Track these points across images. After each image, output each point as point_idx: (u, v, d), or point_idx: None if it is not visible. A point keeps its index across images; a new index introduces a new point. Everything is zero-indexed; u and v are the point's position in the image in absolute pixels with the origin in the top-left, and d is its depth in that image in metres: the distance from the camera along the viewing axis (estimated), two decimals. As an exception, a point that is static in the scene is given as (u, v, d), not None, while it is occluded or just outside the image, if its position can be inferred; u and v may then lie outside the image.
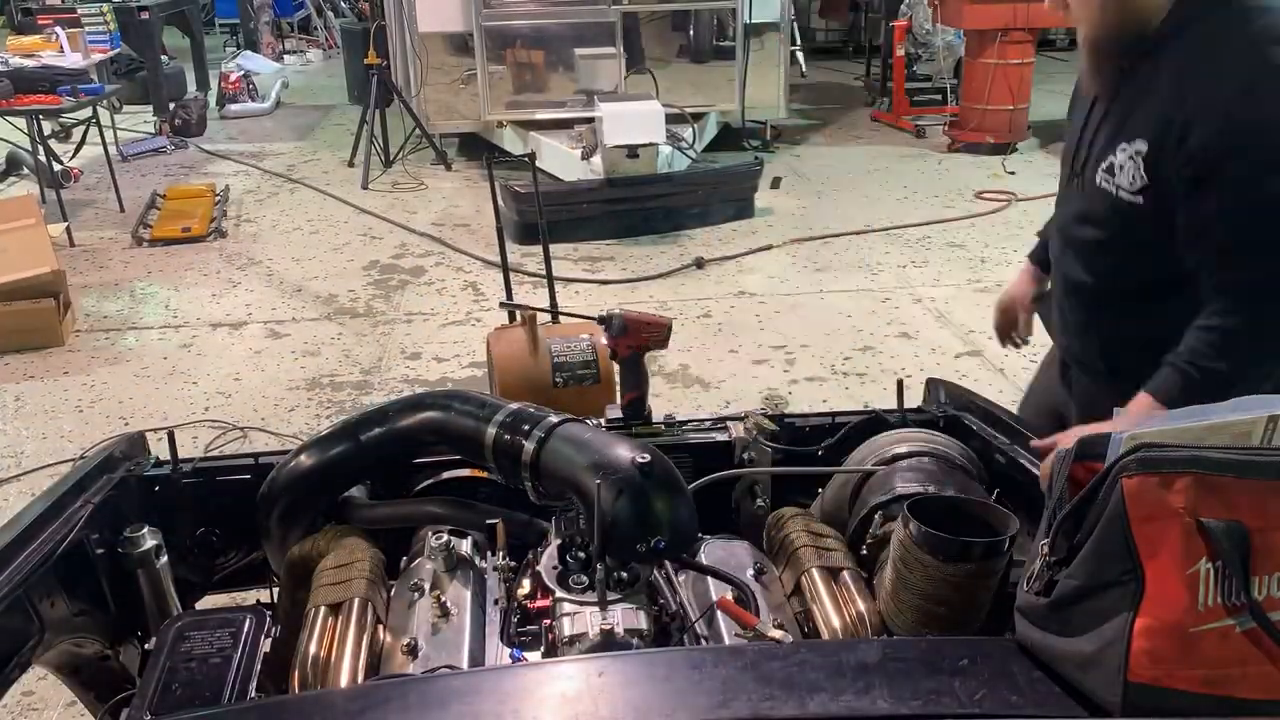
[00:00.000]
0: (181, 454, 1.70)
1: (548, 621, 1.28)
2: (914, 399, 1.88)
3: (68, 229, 6.21)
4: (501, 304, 3.17)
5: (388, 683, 1.10)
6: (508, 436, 1.43)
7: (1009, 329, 2.19)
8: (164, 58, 9.72)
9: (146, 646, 1.57)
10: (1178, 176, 1.55)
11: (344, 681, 1.24)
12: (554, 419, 1.43)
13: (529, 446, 1.40)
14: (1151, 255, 1.64)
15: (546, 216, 3.85)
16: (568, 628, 1.23)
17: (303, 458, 1.59)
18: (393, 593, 1.45)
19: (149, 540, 1.55)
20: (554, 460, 1.38)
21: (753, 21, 7.72)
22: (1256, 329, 1.54)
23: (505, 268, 3.66)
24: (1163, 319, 1.62)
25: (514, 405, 1.48)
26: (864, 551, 1.47)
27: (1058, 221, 1.88)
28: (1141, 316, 1.70)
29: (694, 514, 1.33)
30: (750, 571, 1.43)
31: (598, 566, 1.26)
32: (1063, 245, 1.83)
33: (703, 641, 1.29)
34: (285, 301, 5.39)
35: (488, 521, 1.52)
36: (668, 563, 1.41)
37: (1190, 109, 1.52)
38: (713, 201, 6.39)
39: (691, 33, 8.48)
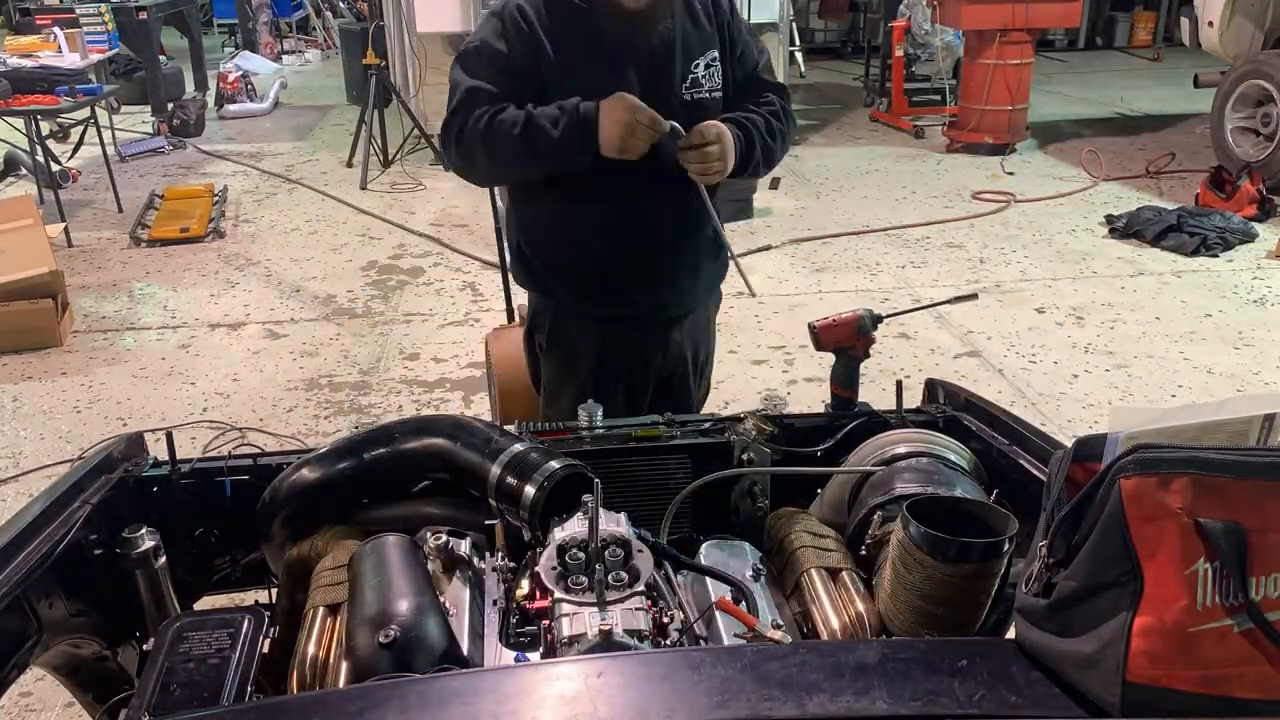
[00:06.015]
0: (180, 454, 1.70)
1: (547, 622, 1.28)
2: (914, 399, 1.88)
3: (66, 229, 6.21)
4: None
5: (387, 683, 1.10)
6: (511, 480, 1.46)
7: None
8: (162, 58, 9.73)
9: (145, 647, 1.57)
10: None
11: (343, 681, 1.24)
12: (556, 465, 1.45)
13: (530, 491, 1.43)
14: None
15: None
16: (567, 628, 1.22)
17: (305, 471, 1.60)
18: None
19: (147, 541, 1.55)
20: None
21: (752, 22, 7.72)
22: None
23: (504, 268, 3.65)
24: None
25: (519, 446, 1.50)
26: (863, 552, 1.47)
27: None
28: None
29: None
30: (749, 572, 1.44)
31: (597, 566, 1.26)
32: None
33: (702, 642, 1.29)
34: (283, 302, 5.39)
35: (486, 521, 1.52)
36: (667, 563, 1.42)
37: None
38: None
39: (690, 33, 8.46)
